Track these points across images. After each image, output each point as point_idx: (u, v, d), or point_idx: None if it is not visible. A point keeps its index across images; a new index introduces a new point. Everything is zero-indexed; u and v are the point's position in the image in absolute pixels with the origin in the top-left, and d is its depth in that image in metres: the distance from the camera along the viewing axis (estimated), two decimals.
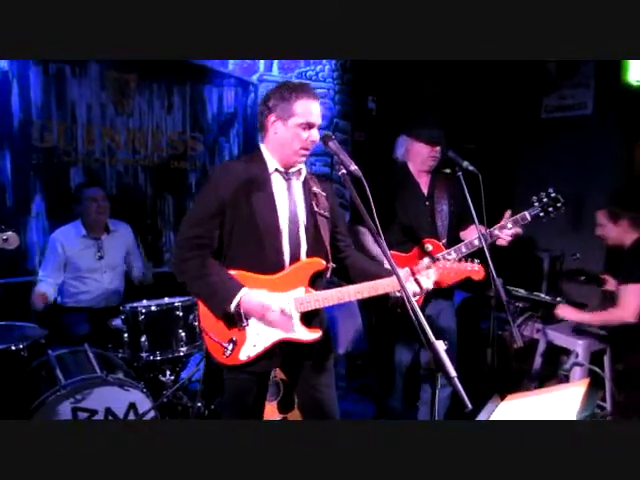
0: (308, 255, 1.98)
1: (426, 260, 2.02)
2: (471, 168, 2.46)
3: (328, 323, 2.18)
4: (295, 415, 2.76)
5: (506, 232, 2.49)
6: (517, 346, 2.28)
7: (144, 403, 2.51)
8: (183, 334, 2.81)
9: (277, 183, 1.97)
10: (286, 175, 1.98)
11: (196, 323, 2.83)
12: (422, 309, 1.70)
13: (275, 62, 4.30)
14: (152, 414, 2.51)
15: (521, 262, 4.52)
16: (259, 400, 2.11)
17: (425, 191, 2.76)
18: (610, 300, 3.10)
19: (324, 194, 2.04)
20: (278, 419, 2.77)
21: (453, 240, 2.70)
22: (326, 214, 2.02)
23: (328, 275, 2.03)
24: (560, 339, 3.26)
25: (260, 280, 1.93)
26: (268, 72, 4.28)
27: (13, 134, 3.41)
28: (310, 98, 1.90)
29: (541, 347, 3.37)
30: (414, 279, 1.95)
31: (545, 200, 2.49)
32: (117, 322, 2.91)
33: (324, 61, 4.54)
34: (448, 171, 2.73)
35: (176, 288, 2.12)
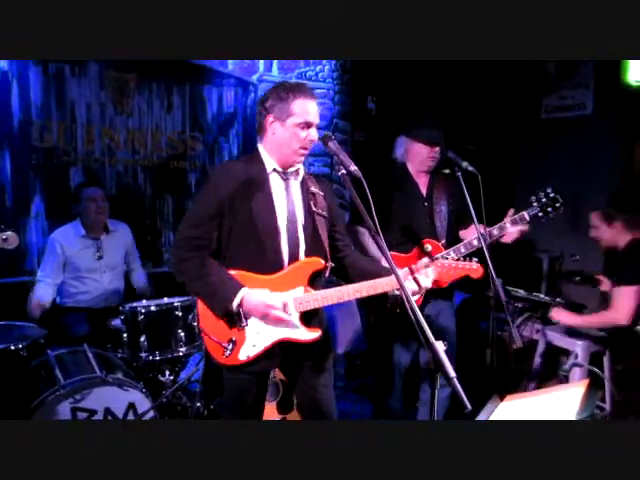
0: (307, 255, 1.98)
1: (425, 259, 2.01)
2: (471, 169, 2.46)
3: (327, 323, 2.18)
4: (294, 416, 2.76)
5: (512, 229, 2.48)
6: (516, 347, 2.27)
7: (143, 403, 2.51)
8: (182, 334, 2.81)
9: (275, 183, 1.97)
10: (284, 175, 1.98)
11: (195, 323, 2.83)
12: (421, 309, 1.70)
13: (275, 62, 4.30)
14: (151, 414, 2.51)
15: (520, 263, 4.52)
16: (258, 400, 2.11)
17: (424, 191, 2.76)
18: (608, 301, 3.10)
19: (322, 194, 2.04)
20: (278, 419, 2.77)
21: (452, 240, 2.70)
22: (324, 214, 2.02)
23: (327, 274, 2.03)
24: (559, 340, 3.26)
25: (259, 280, 1.93)
26: (268, 72, 4.28)
27: (13, 134, 3.40)
28: (307, 97, 1.90)
29: (540, 348, 3.37)
30: (413, 278, 1.95)
31: (544, 200, 2.49)
32: (116, 322, 2.91)
33: (324, 61, 4.54)
34: (447, 171, 2.74)
35: (175, 288, 2.12)
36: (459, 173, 2.47)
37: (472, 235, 2.55)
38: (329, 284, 2.03)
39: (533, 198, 2.52)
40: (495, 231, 2.50)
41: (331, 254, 2.03)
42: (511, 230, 2.49)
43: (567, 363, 2.70)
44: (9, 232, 2.03)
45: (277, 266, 1.94)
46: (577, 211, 3.68)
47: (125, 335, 2.80)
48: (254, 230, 1.90)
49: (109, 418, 2.42)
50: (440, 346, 1.39)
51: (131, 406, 2.48)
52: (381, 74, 4.62)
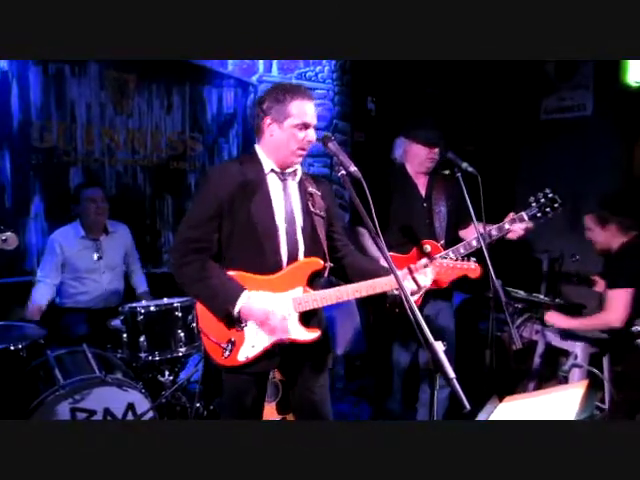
0: (306, 255, 1.98)
1: (424, 260, 2.02)
2: (470, 169, 2.46)
3: (327, 323, 2.17)
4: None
5: (518, 225, 2.49)
6: (516, 347, 2.27)
7: (143, 403, 2.51)
8: (182, 334, 2.81)
9: (273, 184, 1.97)
10: (282, 176, 1.98)
11: (195, 324, 2.83)
12: (420, 309, 1.70)
13: (275, 63, 4.31)
14: (151, 414, 2.51)
15: (520, 263, 4.52)
16: (258, 401, 2.11)
17: (423, 192, 2.76)
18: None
19: (319, 194, 2.04)
20: (277, 420, 2.77)
21: (451, 241, 2.70)
22: (322, 214, 2.02)
23: (326, 275, 2.03)
24: (559, 340, 3.26)
25: (258, 280, 1.93)
26: (268, 73, 4.28)
27: (13, 134, 3.40)
28: (304, 98, 1.90)
29: (540, 348, 3.37)
30: (411, 277, 1.95)
31: (542, 201, 2.50)
32: (116, 322, 2.91)
33: (323, 62, 4.54)
34: (447, 172, 2.74)
35: (175, 288, 2.12)
36: (459, 174, 2.47)
37: (472, 235, 2.55)
38: (328, 284, 2.03)
39: (532, 199, 2.53)
40: (494, 231, 2.50)
41: (330, 254, 2.03)
42: (516, 227, 2.49)
43: (566, 364, 2.70)
44: (9, 233, 2.03)
45: (276, 266, 1.94)
46: (577, 211, 3.67)
47: (124, 335, 2.80)
48: (253, 231, 1.90)
49: (108, 418, 2.42)
50: (439, 346, 1.39)
51: (130, 406, 2.48)
52: (381, 75, 4.62)
